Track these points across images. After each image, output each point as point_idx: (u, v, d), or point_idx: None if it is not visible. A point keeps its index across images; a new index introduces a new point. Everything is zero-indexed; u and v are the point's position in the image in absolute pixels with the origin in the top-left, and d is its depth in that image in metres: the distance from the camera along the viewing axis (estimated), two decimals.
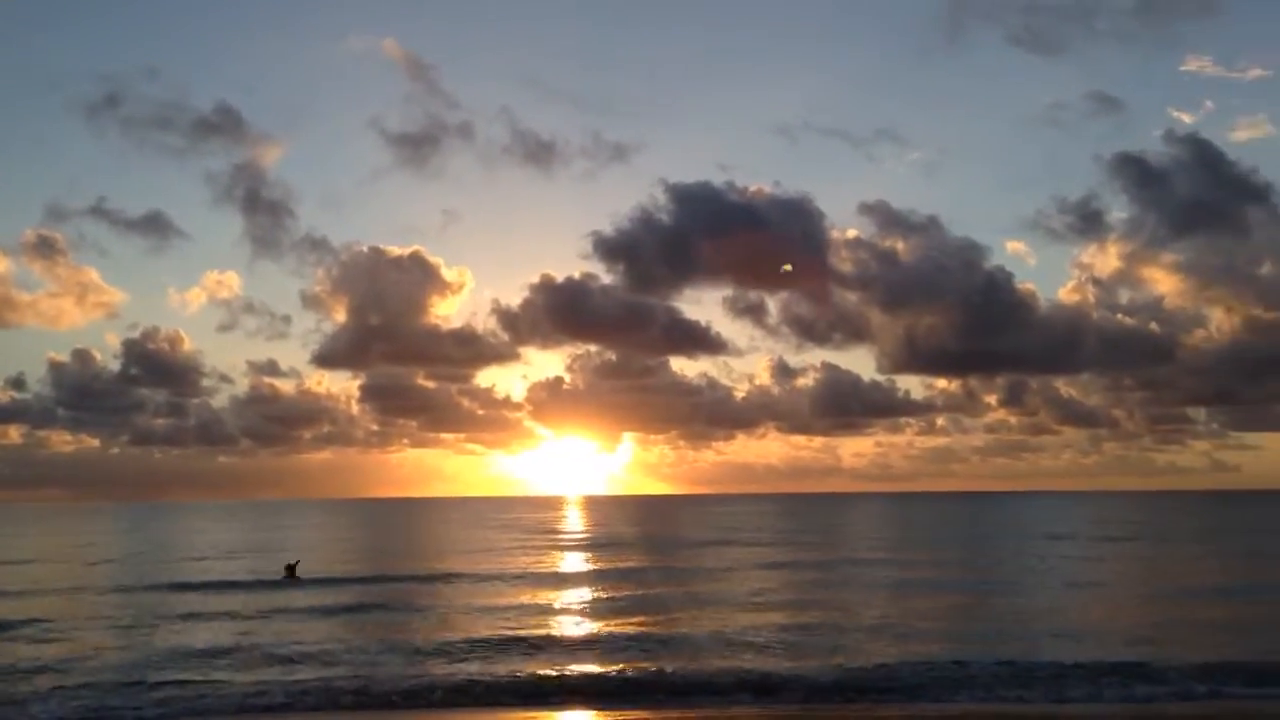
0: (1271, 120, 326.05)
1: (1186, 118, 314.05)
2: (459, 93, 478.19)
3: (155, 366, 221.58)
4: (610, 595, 35.94)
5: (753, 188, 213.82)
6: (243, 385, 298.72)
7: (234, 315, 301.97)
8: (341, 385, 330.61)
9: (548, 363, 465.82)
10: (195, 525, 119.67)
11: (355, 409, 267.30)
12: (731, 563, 49.49)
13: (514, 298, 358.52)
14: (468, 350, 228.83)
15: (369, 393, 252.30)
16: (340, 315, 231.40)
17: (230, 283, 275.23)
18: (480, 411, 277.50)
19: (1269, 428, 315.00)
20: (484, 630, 27.36)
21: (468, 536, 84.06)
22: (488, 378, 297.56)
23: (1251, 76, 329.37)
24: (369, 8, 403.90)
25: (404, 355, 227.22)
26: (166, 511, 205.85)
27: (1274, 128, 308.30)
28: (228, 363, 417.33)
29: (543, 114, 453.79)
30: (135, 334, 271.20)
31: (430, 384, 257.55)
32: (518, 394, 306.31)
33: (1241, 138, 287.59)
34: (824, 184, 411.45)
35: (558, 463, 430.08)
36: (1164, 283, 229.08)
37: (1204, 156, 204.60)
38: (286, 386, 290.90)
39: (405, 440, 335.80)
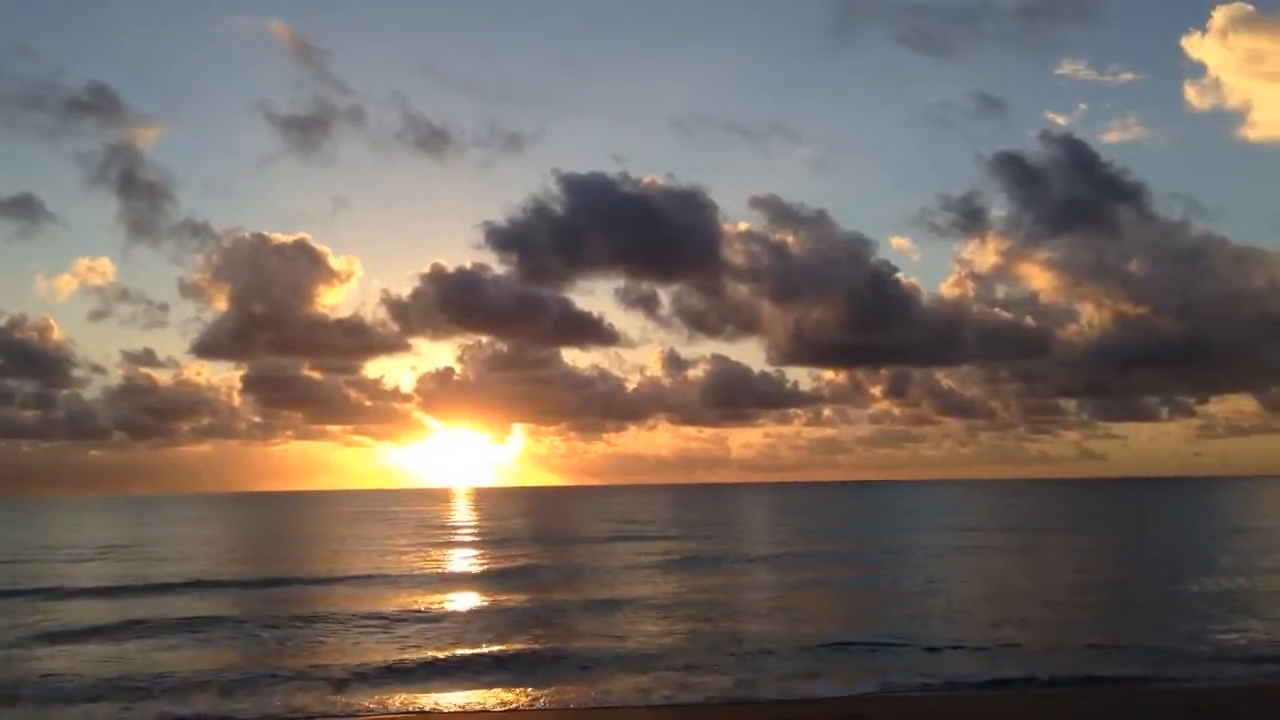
0: (1141, 123, 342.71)
1: (1061, 119, 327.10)
2: (349, 77, 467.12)
3: (23, 356, 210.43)
4: (501, 600, 33.49)
5: (646, 179, 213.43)
6: (116, 376, 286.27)
7: (107, 303, 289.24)
8: (222, 376, 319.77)
9: (438, 353, 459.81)
10: (59, 522, 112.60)
11: (237, 400, 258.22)
12: (628, 560, 47.64)
13: (404, 287, 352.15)
14: (356, 340, 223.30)
15: (252, 384, 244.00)
16: (221, 304, 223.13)
17: (103, 269, 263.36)
18: (368, 403, 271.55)
19: (1133, 418, 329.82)
20: (353, 650, 24.53)
21: (350, 533, 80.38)
22: (376, 369, 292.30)
23: (1123, 80, 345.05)
24: None
25: (289, 345, 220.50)
26: (31, 508, 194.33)
27: (1144, 130, 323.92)
28: (100, 352, 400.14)
29: (437, 101, 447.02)
30: (1, 322, 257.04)
31: (316, 375, 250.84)
32: (407, 385, 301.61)
33: (1113, 139, 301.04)
34: (717, 177, 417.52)
35: (447, 454, 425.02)
36: (1039, 278, 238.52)
37: (1078, 157, 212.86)
38: (164, 377, 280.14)
39: (290, 432, 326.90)
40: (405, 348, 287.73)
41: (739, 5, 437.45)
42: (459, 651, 23.75)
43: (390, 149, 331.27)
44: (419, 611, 30.31)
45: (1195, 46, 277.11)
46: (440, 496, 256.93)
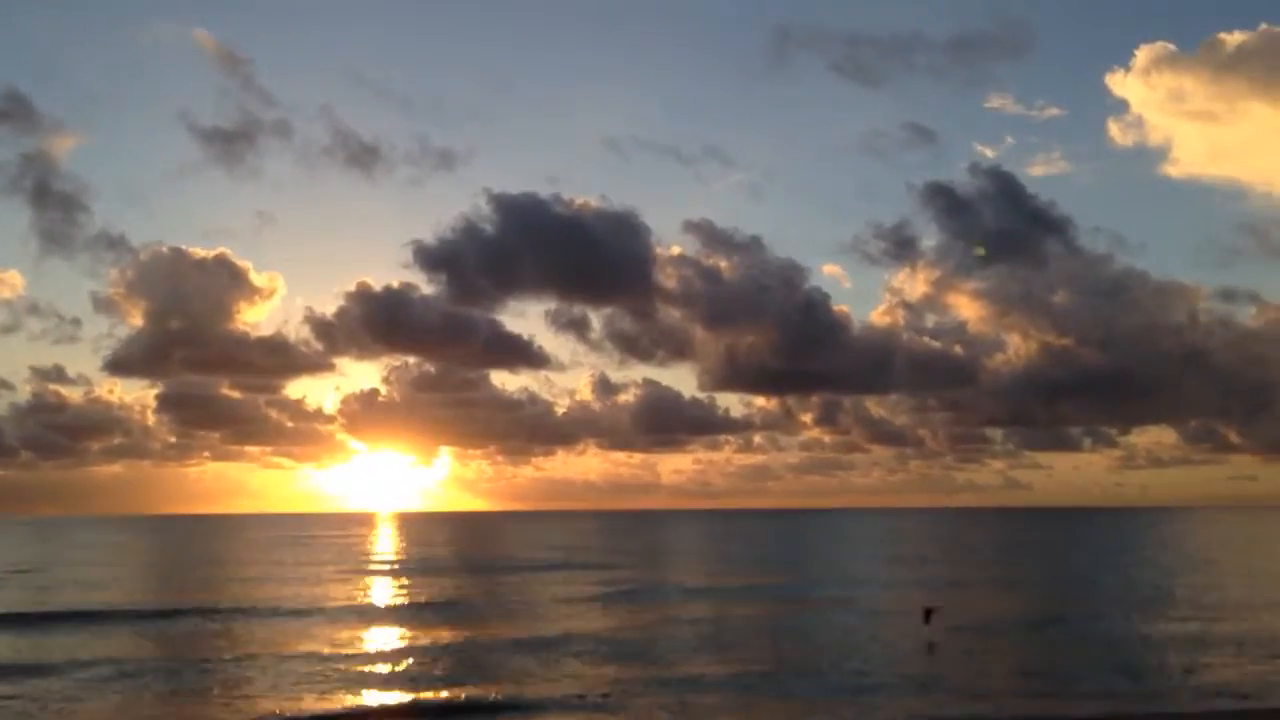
0: (1066, 157, 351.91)
1: (989, 151, 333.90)
2: (276, 88, 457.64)
3: None
4: (429, 638, 31.66)
5: (579, 201, 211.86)
6: (24, 393, 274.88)
7: (16, 316, 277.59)
8: (136, 394, 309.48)
9: (363, 374, 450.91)
10: None
11: (151, 419, 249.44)
12: (557, 592, 46.11)
13: (329, 306, 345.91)
14: (277, 359, 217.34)
15: (167, 402, 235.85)
16: (137, 319, 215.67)
17: (12, 281, 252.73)
18: (289, 423, 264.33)
19: (1058, 448, 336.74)
20: (272, 696, 22.74)
21: (269, 560, 77.42)
22: (298, 389, 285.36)
23: (1048, 115, 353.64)
24: None
25: (207, 363, 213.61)
26: None
27: (1068, 164, 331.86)
28: (8, 368, 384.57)
29: (367, 115, 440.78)
30: None
31: (235, 394, 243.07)
32: (330, 406, 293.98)
33: (1039, 173, 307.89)
34: (651, 200, 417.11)
35: (371, 477, 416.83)
36: (968, 308, 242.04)
37: (1005, 189, 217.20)
38: (74, 394, 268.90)
39: (206, 453, 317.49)
40: (329, 368, 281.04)
41: (675, 29, 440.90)
42: (387, 700, 22.27)
43: (317, 164, 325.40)
44: (344, 654, 28.39)
45: (1119, 84, 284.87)
46: (363, 521, 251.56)
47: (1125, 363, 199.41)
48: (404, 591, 48.39)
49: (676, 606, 40.23)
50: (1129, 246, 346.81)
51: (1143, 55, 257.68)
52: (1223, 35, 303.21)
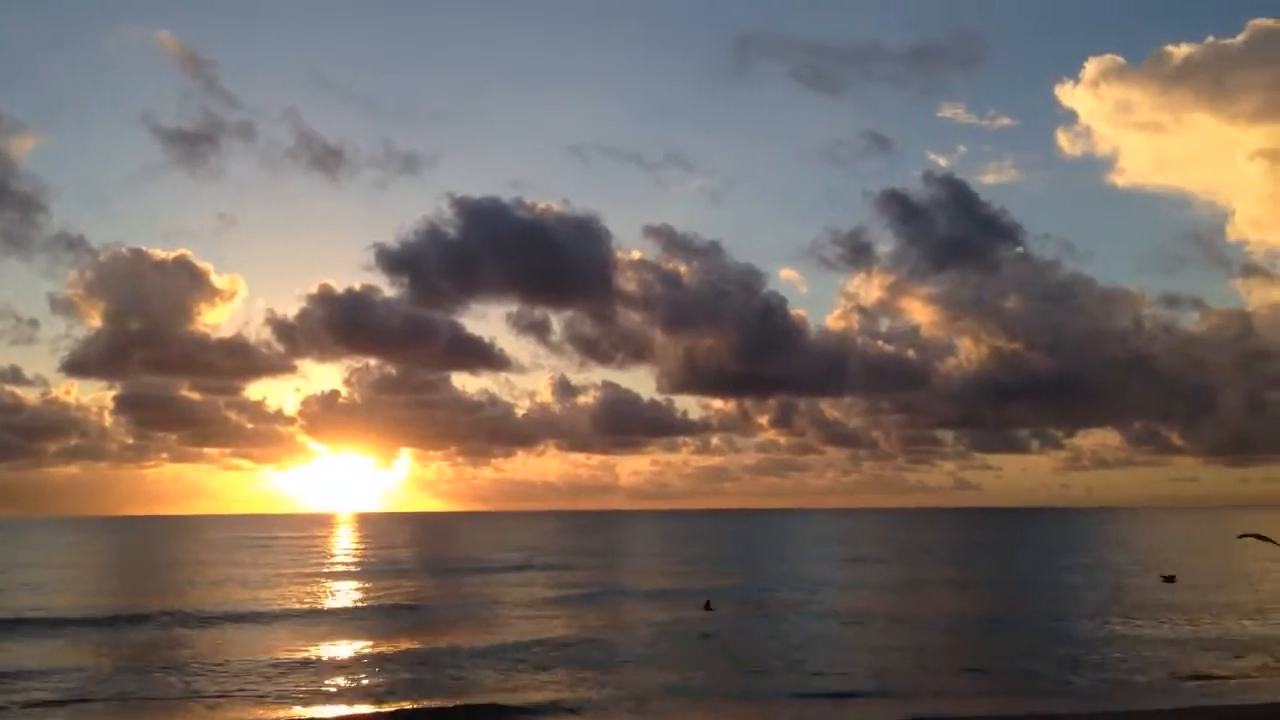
0: (1016, 166, 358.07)
1: (942, 160, 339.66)
2: (240, 91, 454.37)
3: None
4: (389, 646, 31.93)
5: (542, 205, 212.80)
6: None
7: None
8: (94, 395, 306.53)
9: (324, 375, 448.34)
10: None
11: (109, 421, 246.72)
12: (517, 595, 46.67)
13: (290, 308, 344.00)
14: (238, 361, 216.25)
15: (125, 404, 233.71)
16: (95, 320, 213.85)
17: None
18: (249, 425, 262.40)
19: (1006, 450, 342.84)
20: (226, 709, 22.77)
21: (228, 562, 77.36)
22: (259, 390, 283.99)
23: (1000, 125, 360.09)
24: None
25: (166, 365, 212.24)
26: None
27: (1019, 173, 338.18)
28: None
29: (331, 118, 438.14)
30: None
31: (195, 396, 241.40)
32: (290, 407, 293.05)
33: (990, 181, 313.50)
34: (613, 205, 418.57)
35: (331, 479, 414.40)
36: (921, 313, 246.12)
37: (958, 197, 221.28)
38: (30, 395, 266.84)
39: (165, 455, 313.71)
40: (290, 369, 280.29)
41: (639, 36, 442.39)
42: (348, 712, 22.59)
43: (281, 166, 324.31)
44: (304, 661, 28.66)
45: (1068, 95, 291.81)
46: (323, 523, 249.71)
47: (1072, 367, 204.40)
48: (365, 595, 48.59)
49: (635, 610, 40.92)
50: (1077, 253, 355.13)
51: (1091, 67, 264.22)
52: (1169, 48, 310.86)
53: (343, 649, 31.18)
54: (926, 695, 23.93)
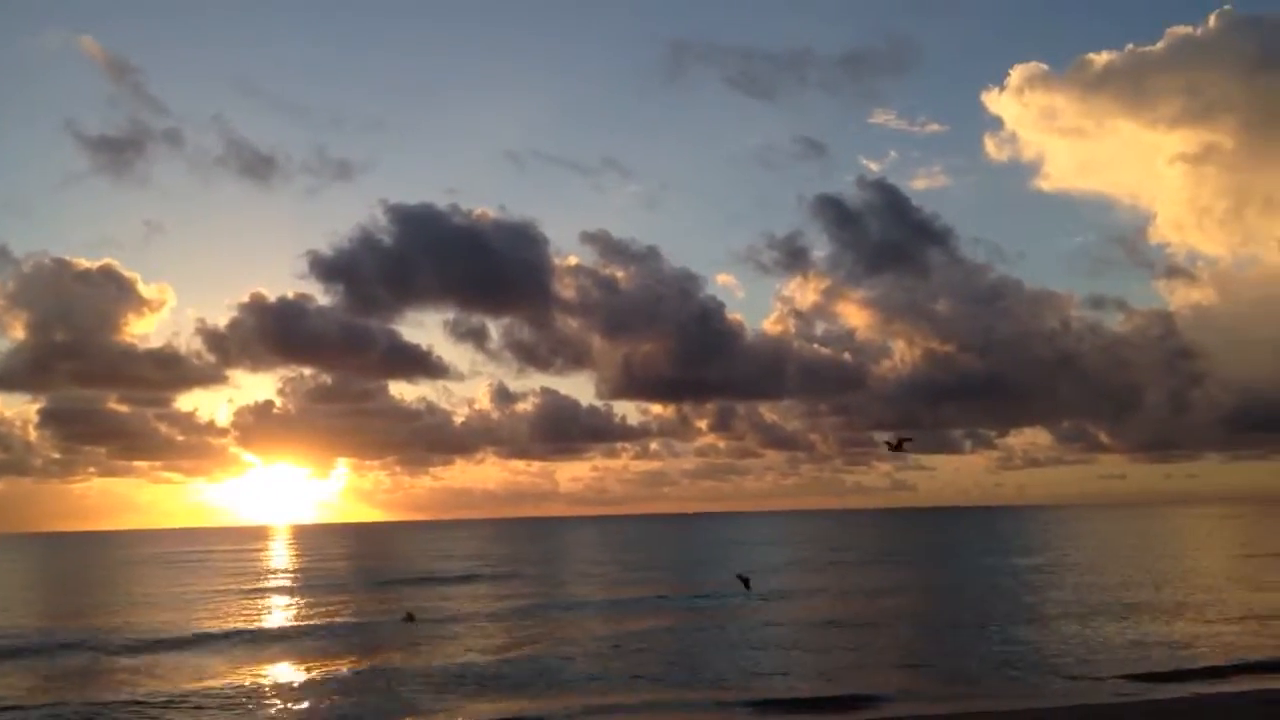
0: (946, 171, 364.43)
1: (874, 165, 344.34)
2: (167, 97, 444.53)
3: None
4: (324, 671, 30.75)
5: (478, 211, 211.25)
6: None
7: None
8: (17, 409, 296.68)
9: (257, 386, 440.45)
10: None
11: (33, 435, 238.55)
12: (457, 608, 45.73)
13: (221, 317, 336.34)
14: (167, 372, 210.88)
15: (50, 417, 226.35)
16: (18, 332, 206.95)
17: None
18: (180, 437, 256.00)
19: (940, 450, 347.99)
20: None
21: (157, 579, 75.23)
22: (189, 401, 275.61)
23: (929, 131, 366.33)
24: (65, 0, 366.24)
25: (93, 377, 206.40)
26: None
27: (948, 179, 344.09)
28: None
29: (262, 125, 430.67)
30: None
31: (123, 408, 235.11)
32: (223, 418, 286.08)
33: (920, 186, 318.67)
34: (550, 211, 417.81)
35: (266, 491, 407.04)
36: (856, 316, 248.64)
37: (891, 202, 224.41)
38: None
39: (92, 469, 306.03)
40: (222, 380, 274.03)
41: (573, 41, 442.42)
42: None
43: (210, 173, 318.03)
44: (239, 686, 27.69)
45: (995, 102, 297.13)
46: (258, 535, 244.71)
47: (1003, 367, 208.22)
48: (304, 612, 47.34)
49: (581, 623, 40.21)
50: (1006, 256, 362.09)
51: (1017, 75, 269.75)
52: (1091, 56, 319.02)
53: (282, 672, 30.26)
54: (880, 699, 24.09)
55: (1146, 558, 71.96)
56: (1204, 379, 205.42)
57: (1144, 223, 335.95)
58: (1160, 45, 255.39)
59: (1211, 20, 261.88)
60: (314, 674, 29.73)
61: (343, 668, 30.46)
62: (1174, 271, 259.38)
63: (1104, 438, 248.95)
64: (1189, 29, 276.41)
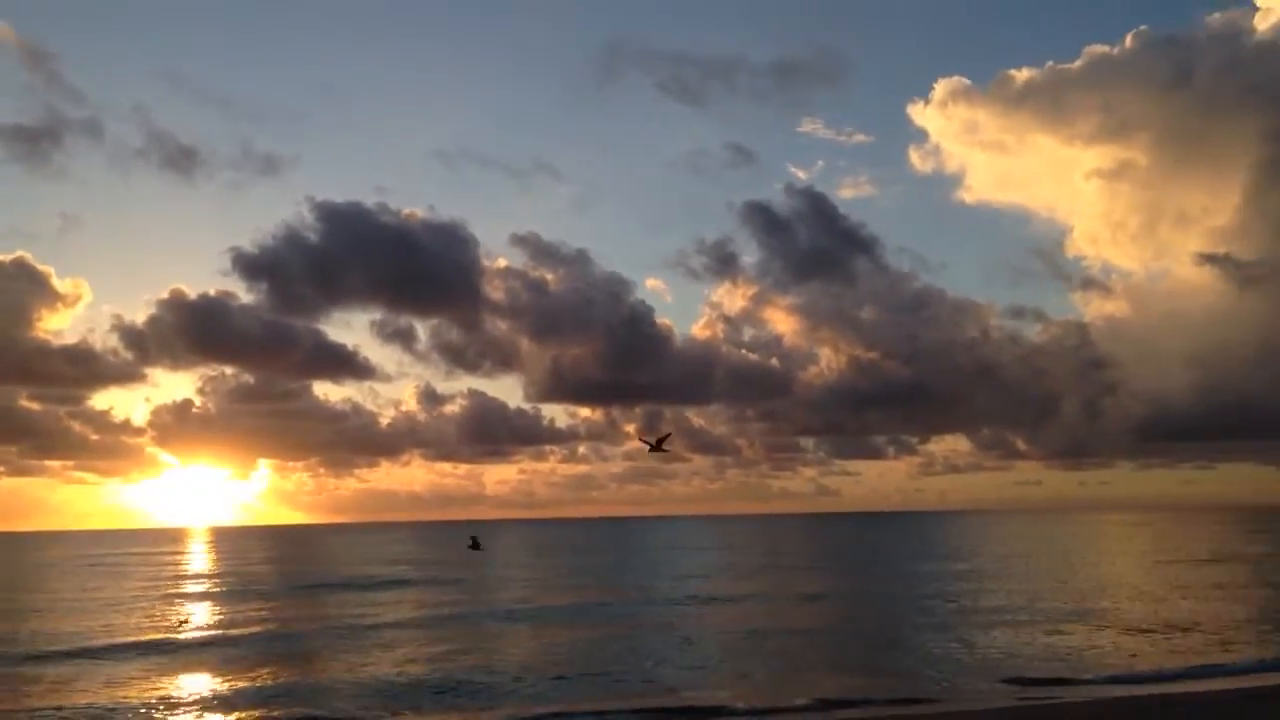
0: (871, 181, 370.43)
1: (802, 174, 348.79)
2: (86, 86, 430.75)
3: None
4: (243, 683, 29.61)
5: (406, 211, 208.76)
6: None
7: None
8: None
9: (176, 384, 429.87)
10: None
11: None
12: (376, 615, 44.78)
13: (140, 314, 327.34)
14: (82, 369, 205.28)
15: None
16: None
17: None
18: (94, 436, 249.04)
19: (864, 456, 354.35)
20: None
21: (64, 584, 72.43)
22: (105, 400, 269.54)
23: (856, 141, 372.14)
24: None
25: (3, 373, 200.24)
26: None
27: (874, 188, 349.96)
28: None
29: (186, 116, 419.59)
30: None
31: (35, 406, 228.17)
32: (140, 418, 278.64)
33: (847, 195, 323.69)
34: (479, 212, 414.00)
35: (184, 492, 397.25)
36: (784, 322, 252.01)
37: (819, 210, 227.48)
38: None
39: (2, 468, 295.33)
40: (139, 378, 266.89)
41: (506, 42, 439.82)
42: None
43: (130, 165, 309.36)
44: (152, 701, 26.51)
45: (919, 114, 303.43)
46: (175, 538, 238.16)
47: (925, 375, 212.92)
48: (223, 620, 45.64)
49: (510, 632, 39.41)
50: (930, 266, 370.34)
51: (941, 89, 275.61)
52: (1012, 72, 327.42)
53: (200, 684, 28.97)
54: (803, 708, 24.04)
55: (1060, 564, 73.57)
56: (1116, 389, 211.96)
57: (1061, 236, 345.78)
58: (1078, 63, 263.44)
59: (1128, 40, 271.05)
60: (234, 686, 28.52)
61: (266, 680, 29.28)
62: (1089, 284, 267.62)
63: (1021, 445, 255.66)
64: (1106, 48, 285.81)
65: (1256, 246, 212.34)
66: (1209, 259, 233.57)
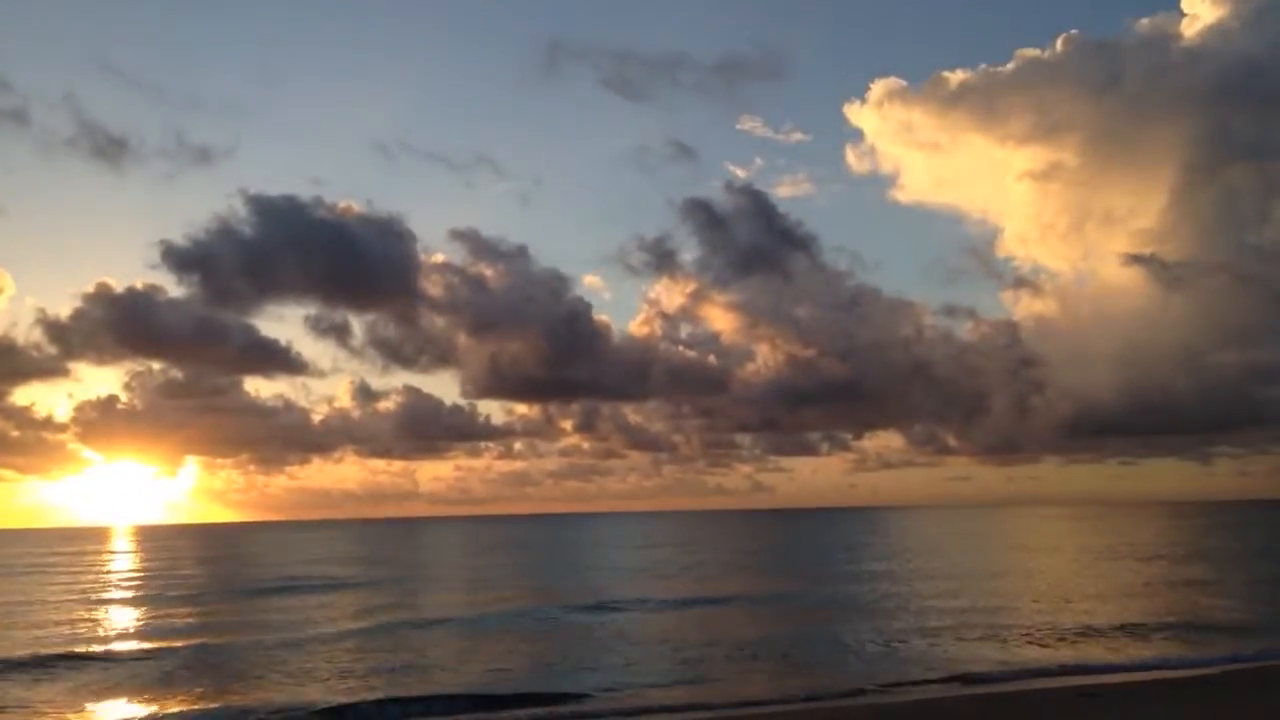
0: (809, 180, 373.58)
1: (741, 171, 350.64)
2: (13, 73, 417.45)
3: None
4: (167, 706, 27.72)
5: (343, 204, 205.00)
6: None
7: None
8: None
9: (101, 380, 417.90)
10: None
11: None
12: (320, 633, 43.20)
13: (64, 307, 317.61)
14: (2, 364, 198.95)
15: None
16: None
17: None
18: (14, 433, 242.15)
19: (799, 453, 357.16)
20: None
21: None
22: (26, 395, 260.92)
23: (794, 140, 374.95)
24: None
25: None
26: None
27: (811, 187, 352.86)
28: None
29: (116, 105, 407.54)
30: None
31: None
32: (62, 413, 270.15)
33: (785, 193, 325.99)
34: (418, 206, 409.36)
35: (108, 489, 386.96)
36: (721, 320, 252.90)
37: (759, 208, 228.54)
38: None
39: None
40: (63, 373, 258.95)
41: (446, 32, 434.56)
42: None
43: (57, 154, 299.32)
44: None
45: (855, 114, 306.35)
46: (97, 537, 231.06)
47: (860, 373, 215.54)
48: (147, 630, 43.15)
49: (448, 643, 37.95)
50: (866, 264, 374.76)
51: (877, 88, 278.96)
52: (946, 73, 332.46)
53: (121, 710, 26.85)
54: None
55: (984, 559, 74.38)
56: (1044, 387, 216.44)
57: (994, 236, 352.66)
58: (1011, 66, 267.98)
59: (1059, 44, 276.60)
60: (164, 710, 26.54)
61: (198, 702, 27.31)
62: (1020, 283, 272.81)
63: (952, 441, 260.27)
64: (1038, 51, 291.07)
65: (1182, 248, 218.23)
66: (1136, 260, 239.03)
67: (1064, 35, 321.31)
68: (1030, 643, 34.22)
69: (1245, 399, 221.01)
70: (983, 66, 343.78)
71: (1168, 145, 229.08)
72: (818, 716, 22.97)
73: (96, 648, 37.61)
